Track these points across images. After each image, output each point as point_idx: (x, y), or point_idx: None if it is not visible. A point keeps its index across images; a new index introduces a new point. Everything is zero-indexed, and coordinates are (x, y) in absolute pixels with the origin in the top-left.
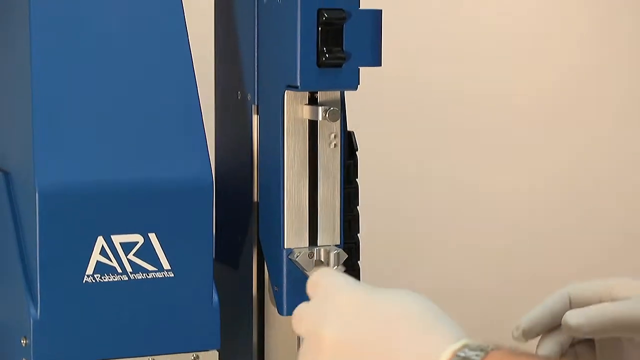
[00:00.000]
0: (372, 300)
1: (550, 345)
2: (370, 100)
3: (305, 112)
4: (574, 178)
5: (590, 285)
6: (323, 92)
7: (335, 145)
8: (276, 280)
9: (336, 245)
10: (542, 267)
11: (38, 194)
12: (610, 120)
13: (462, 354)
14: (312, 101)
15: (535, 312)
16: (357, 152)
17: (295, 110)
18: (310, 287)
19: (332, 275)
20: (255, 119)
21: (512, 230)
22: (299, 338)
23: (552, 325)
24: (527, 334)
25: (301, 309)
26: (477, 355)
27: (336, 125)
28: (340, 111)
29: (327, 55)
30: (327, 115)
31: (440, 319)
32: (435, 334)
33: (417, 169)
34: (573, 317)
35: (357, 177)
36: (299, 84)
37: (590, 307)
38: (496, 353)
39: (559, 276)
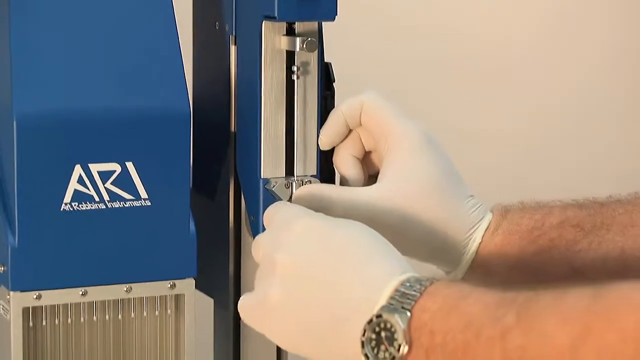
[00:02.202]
0: (326, 227)
1: (350, 163)
2: (348, 33)
3: (283, 42)
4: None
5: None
6: (301, 23)
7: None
8: (253, 210)
9: (312, 176)
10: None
11: (16, 122)
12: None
13: (407, 284)
14: (290, 32)
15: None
16: (334, 84)
17: (273, 41)
18: (267, 218)
19: (289, 205)
20: (233, 49)
21: (498, 169)
22: None
23: (346, 134)
24: (327, 145)
25: (259, 236)
26: (421, 285)
27: (314, 56)
28: (317, 42)
29: None
30: (304, 46)
31: (389, 252)
32: (383, 265)
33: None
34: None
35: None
36: (276, 15)
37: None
38: (437, 284)
39: None
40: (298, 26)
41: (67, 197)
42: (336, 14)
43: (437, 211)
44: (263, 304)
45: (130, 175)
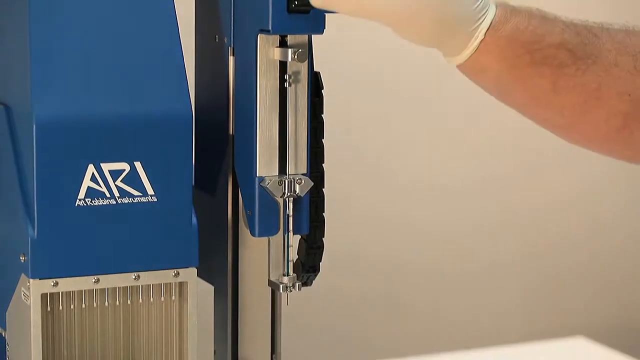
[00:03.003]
0: None
1: None
2: (335, 45)
3: (276, 53)
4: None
5: None
6: (292, 36)
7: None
8: (249, 205)
9: (303, 174)
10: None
11: (35, 125)
12: None
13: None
14: (283, 44)
15: None
16: (322, 91)
17: (267, 52)
18: None
19: None
20: (231, 60)
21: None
22: (269, 257)
23: None
24: None
25: None
26: None
27: (304, 66)
28: (307, 53)
29: (296, 3)
30: (295, 56)
31: None
32: None
33: (378, 108)
34: None
35: (322, 113)
36: (270, 28)
37: None
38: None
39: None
40: (290, 39)
41: (82, 194)
42: (324, 28)
43: (441, 3)
44: None
45: (138, 174)
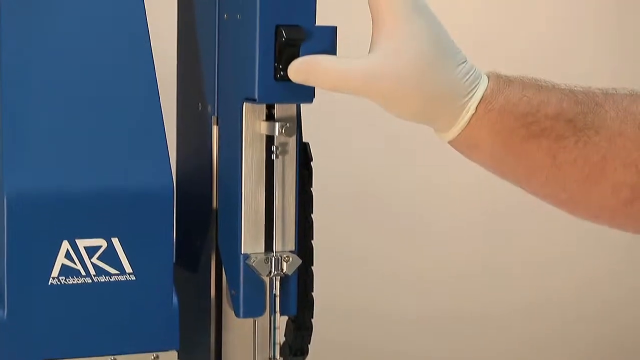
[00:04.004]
0: None
1: None
2: (326, 112)
3: (263, 127)
4: None
5: None
6: (280, 106)
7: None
8: (234, 284)
9: (291, 251)
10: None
11: (6, 199)
12: None
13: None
14: (270, 116)
15: None
16: (312, 163)
17: (253, 121)
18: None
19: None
20: (214, 130)
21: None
22: (254, 339)
23: None
24: None
25: None
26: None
27: (292, 139)
28: (295, 126)
29: (282, 71)
30: (283, 130)
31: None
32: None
33: (369, 178)
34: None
35: (311, 187)
36: (256, 97)
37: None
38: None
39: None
40: (277, 109)
41: (55, 272)
42: (314, 96)
43: (429, 78)
44: None
45: (116, 251)
